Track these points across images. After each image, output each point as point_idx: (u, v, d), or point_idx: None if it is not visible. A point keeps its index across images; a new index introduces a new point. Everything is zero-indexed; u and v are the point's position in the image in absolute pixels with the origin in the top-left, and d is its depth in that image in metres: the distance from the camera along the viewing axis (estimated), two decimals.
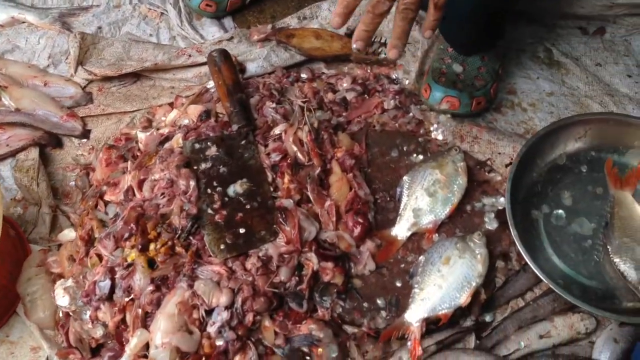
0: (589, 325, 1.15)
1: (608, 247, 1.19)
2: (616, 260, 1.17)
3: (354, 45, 0.98)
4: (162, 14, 1.65)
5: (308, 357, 1.09)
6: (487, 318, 1.18)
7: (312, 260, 1.13)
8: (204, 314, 1.06)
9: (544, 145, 1.29)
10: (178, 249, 1.12)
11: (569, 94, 1.48)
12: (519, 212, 1.25)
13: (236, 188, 1.19)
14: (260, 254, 1.12)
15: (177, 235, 1.12)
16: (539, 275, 1.17)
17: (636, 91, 1.48)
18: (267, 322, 1.09)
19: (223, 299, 1.06)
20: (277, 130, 1.27)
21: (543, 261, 1.21)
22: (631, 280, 1.14)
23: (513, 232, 1.16)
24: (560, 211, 1.26)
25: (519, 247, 1.15)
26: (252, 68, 1.48)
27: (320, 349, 1.09)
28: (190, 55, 1.48)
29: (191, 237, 1.13)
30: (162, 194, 1.17)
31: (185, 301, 1.06)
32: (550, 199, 1.28)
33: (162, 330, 1.03)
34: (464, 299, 1.12)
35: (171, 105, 1.42)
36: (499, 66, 1.45)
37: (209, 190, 1.18)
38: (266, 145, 1.26)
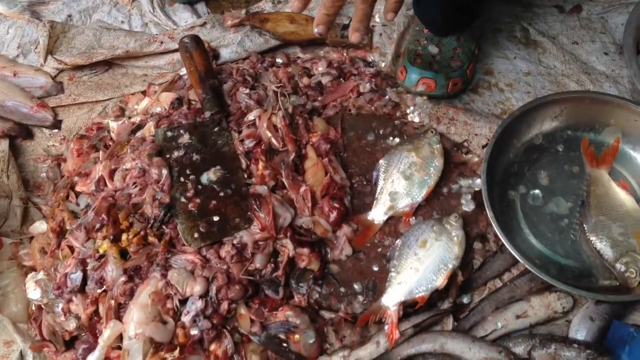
0: (565, 304, 1.15)
1: (584, 225, 1.19)
2: (592, 238, 1.17)
3: (315, 30, 0.96)
4: (133, 0, 1.62)
5: (285, 344, 1.08)
6: (465, 300, 1.18)
7: (287, 247, 1.12)
8: (177, 304, 1.05)
9: (520, 125, 1.28)
10: (151, 238, 1.10)
11: (545, 73, 1.47)
12: (496, 193, 1.24)
13: (210, 176, 1.18)
14: (235, 242, 1.11)
15: (149, 225, 1.11)
16: (515, 257, 1.18)
17: (613, 69, 1.47)
18: (242, 310, 1.08)
19: (197, 287, 1.05)
20: (250, 116, 1.26)
21: (520, 241, 1.21)
22: (607, 259, 1.15)
23: (489, 214, 1.15)
24: (537, 191, 1.26)
25: (495, 228, 1.14)
26: (225, 54, 1.46)
27: (297, 336, 1.08)
28: (162, 42, 1.46)
29: (164, 227, 1.12)
30: (134, 183, 1.15)
31: (158, 291, 1.05)
32: (527, 179, 1.27)
33: (136, 321, 1.02)
34: (440, 281, 1.12)
35: (144, 93, 1.40)
36: (475, 46, 1.43)
37: (182, 179, 1.17)
38: (240, 132, 1.24)
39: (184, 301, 1.06)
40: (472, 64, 1.42)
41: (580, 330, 1.12)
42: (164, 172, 1.15)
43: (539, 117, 1.29)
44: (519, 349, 1.10)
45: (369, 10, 0.95)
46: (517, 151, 1.30)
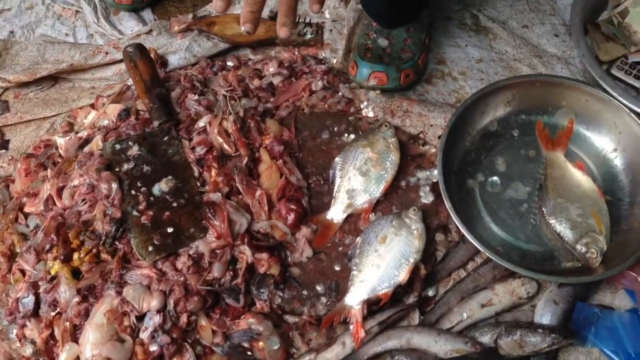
0: (530, 289, 1.14)
1: (543, 209, 1.19)
2: (552, 221, 1.17)
3: (242, 28, 0.94)
4: (77, 11, 1.58)
5: (250, 352, 1.06)
6: (430, 293, 1.17)
7: (245, 253, 1.10)
8: (135, 321, 1.02)
9: (473, 113, 1.27)
10: (104, 255, 1.08)
11: (497, 59, 1.47)
12: (455, 182, 1.24)
13: (161, 186, 1.15)
14: (191, 252, 1.09)
15: (101, 242, 1.08)
16: None
17: (564, 50, 1.47)
18: (203, 321, 1.06)
19: (154, 302, 1.03)
20: (201, 123, 1.23)
21: (481, 230, 1.20)
22: (568, 240, 1.15)
23: (448, 204, 1.15)
24: (495, 178, 1.26)
25: (454, 219, 1.14)
26: (174, 60, 1.43)
27: (261, 343, 1.06)
28: (107, 53, 1.42)
29: (117, 242, 1.09)
30: (83, 200, 1.12)
31: (114, 309, 1.02)
32: (484, 167, 1.27)
33: (92, 342, 0.99)
34: (402, 276, 1.11)
35: (92, 106, 1.36)
36: (426, 36, 1.43)
37: (133, 192, 1.14)
38: (190, 139, 1.22)
39: (141, 317, 1.03)
40: (423, 54, 1.41)
41: (544, 314, 1.11)
42: (114, 186, 1.12)
43: (492, 103, 1.29)
44: (485, 338, 1.09)
45: (293, 4, 0.93)
46: (473, 139, 1.29)
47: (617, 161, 1.25)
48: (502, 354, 1.06)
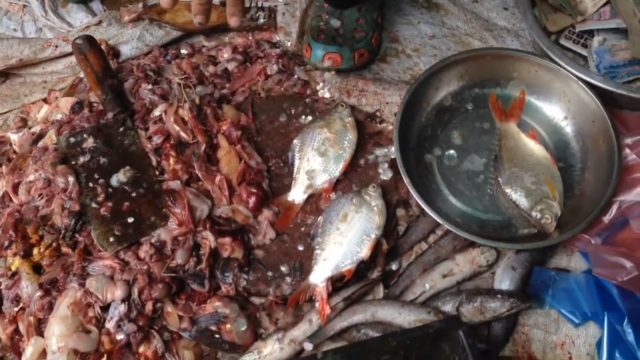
0: (489, 258, 1.17)
1: (499, 179, 1.22)
2: (508, 190, 1.20)
3: (195, 20, 0.94)
4: (24, 6, 1.55)
5: (218, 335, 1.07)
6: (394, 266, 1.19)
7: (208, 239, 1.11)
8: (99, 311, 1.02)
9: (427, 89, 1.29)
10: (64, 249, 1.07)
11: (450, 34, 1.49)
12: (413, 158, 1.26)
13: (119, 177, 1.15)
14: (153, 241, 1.09)
15: (61, 236, 1.08)
16: None
17: (513, 23, 1.50)
18: (169, 308, 1.06)
19: (118, 292, 1.03)
20: (156, 112, 1.23)
21: (441, 202, 1.23)
22: (523, 208, 1.18)
23: (406, 180, 1.17)
24: (452, 151, 1.28)
25: (412, 193, 1.16)
26: (126, 51, 1.42)
27: (228, 325, 1.07)
28: (57, 46, 1.40)
29: (77, 235, 1.08)
30: (40, 195, 1.11)
31: (78, 301, 1.02)
32: (441, 141, 1.29)
33: (57, 335, 0.99)
34: (364, 252, 1.12)
35: (45, 100, 1.35)
36: (378, 15, 1.44)
37: (90, 184, 1.13)
38: (146, 129, 1.21)
39: (106, 308, 1.03)
40: (376, 33, 1.42)
41: (503, 280, 1.14)
42: (71, 179, 1.11)
43: (445, 78, 1.31)
44: (448, 307, 1.12)
45: None
46: (429, 115, 1.31)
47: (568, 129, 1.28)
48: (463, 321, 1.09)
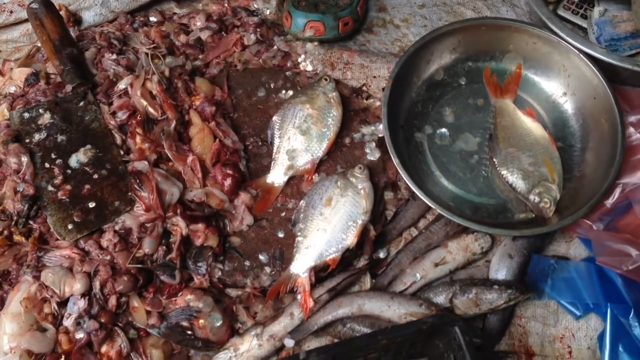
0: (483, 244, 1.09)
1: (494, 160, 1.14)
2: (504, 172, 1.12)
3: None
4: None
5: (190, 332, 0.98)
6: (381, 254, 1.11)
7: (179, 225, 1.01)
8: (56, 307, 0.92)
9: (418, 62, 1.20)
10: (17, 237, 0.97)
11: (441, 3, 1.39)
12: (402, 136, 1.17)
13: (79, 157, 1.04)
14: (117, 228, 0.99)
15: (13, 222, 0.97)
16: None
17: None
18: (135, 302, 0.96)
19: (77, 285, 0.93)
20: (121, 85, 1.11)
21: (432, 185, 1.14)
22: (520, 191, 1.10)
23: (395, 160, 1.07)
24: (444, 129, 1.19)
25: (402, 175, 1.06)
26: (88, 17, 1.29)
27: (201, 320, 0.98)
28: (12, 12, 1.27)
29: (31, 222, 0.98)
30: None
31: (32, 296, 0.91)
32: (432, 118, 1.20)
33: (9, 334, 0.89)
34: (351, 239, 1.03)
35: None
36: None
37: (46, 165, 1.02)
38: (110, 104, 1.10)
39: (64, 303, 0.93)
40: (362, 1, 1.31)
41: (500, 269, 1.06)
42: (24, 159, 1.00)
43: (436, 51, 1.21)
44: (440, 299, 1.04)
45: None
46: (419, 90, 1.22)
47: (567, 105, 1.20)
48: (458, 314, 1.01)
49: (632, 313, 0.98)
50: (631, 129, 1.12)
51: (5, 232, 0.95)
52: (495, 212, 1.12)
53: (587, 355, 1.03)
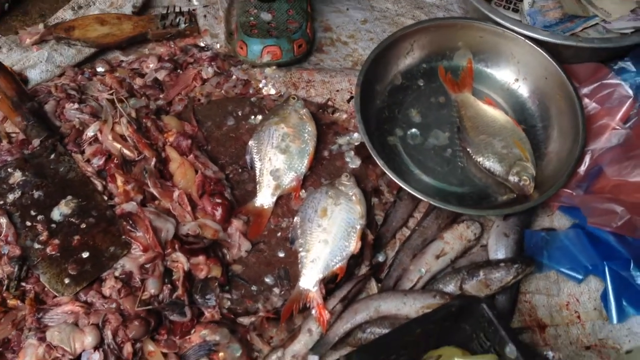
0: (475, 230, 1.12)
1: (468, 149, 1.17)
2: (480, 159, 1.16)
3: None
4: None
5: None
6: (380, 258, 1.11)
7: (180, 260, 0.97)
8: None
9: (378, 70, 1.23)
10: (11, 301, 0.90)
11: (381, 17, 1.44)
12: (376, 142, 1.18)
13: (62, 209, 0.98)
14: (117, 273, 0.94)
15: (4, 287, 0.90)
16: (415, 200, 1.14)
17: None
18: (150, 347, 0.91)
19: (88, 339, 0.86)
20: (90, 132, 1.08)
21: (414, 183, 1.15)
22: (499, 174, 1.14)
23: (380, 162, 1.09)
24: (414, 130, 1.22)
25: (388, 174, 1.08)
26: (34, 75, 1.24)
27: (221, 353, 0.94)
28: None
29: (23, 284, 0.91)
30: None
31: (41, 359, 0.84)
32: (400, 121, 1.23)
33: None
34: (353, 245, 1.03)
35: None
36: (307, 4, 1.36)
37: (27, 223, 0.97)
38: (82, 152, 1.06)
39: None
40: (308, 22, 1.34)
41: (499, 249, 1.09)
42: (2, 220, 0.94)
43: (392, 57, 1.25)
44: (450, 288, 1.05)
45: None
46: (382, 96, 1.25)
47: (522, 90, 1.27)
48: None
49: (632, 265, 1.02)
50: (586, 100, 1.19)
51: None
52: (479, 199, 1.15)
53: (595, 315, 1.06)
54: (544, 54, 1.20)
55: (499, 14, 1.25)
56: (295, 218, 1.07)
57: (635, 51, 1.20)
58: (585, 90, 1.20)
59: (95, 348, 0.87)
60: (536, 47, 1.21)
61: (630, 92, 1.16)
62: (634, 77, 1.17)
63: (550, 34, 1.22)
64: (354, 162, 1.16)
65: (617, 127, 1.15)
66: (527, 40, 1.22)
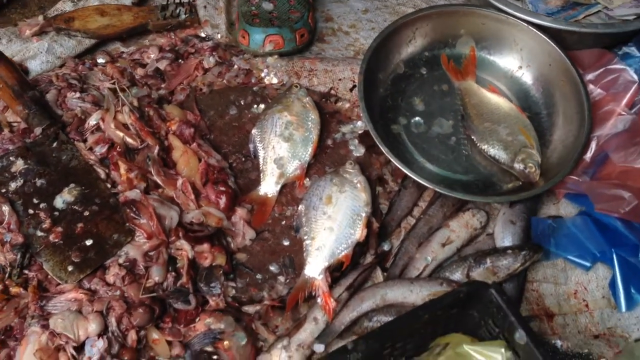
0: (481, 218, 1.11)
1: (472, 137, 1.17)
2: (484, 147, 1.15)
3: None
4: None
5: (215, 356, 0.92)
6: (386, 247, 1.10)
7: (184, 248, 0.96)
8: (73, 353, 0.84)
9: (380, 59, 1.22)
10: (14, 289, 0.89)
11: (382, 6, 1.44)
12: (380, 130, 1.17)
13: (65, 197, 0.97)
14: (121, 261, 0.93)
15: (7, 275, 0.89)
16: (419, 189, 1.14)
17: None
18: (155, 334, 0.90)
19: (92, 326, 0.85)
20: (92, 121, 1.07)
21: (419, 171, 1.14)
22: (504, 162, 1.13)
23: (384, 149, 1.08)
24: (417, 118, 1.21)
25: (393, 161, 1.07)
26: (35, 66, 1.23)
27: (226, 342, 0.92)
28: None
29: (26, 271, 0.90)
30: None
31: (44, 347, 0.83)
32: (404, 110, 1.22)
33: None
34: (359, 233, 1.02)
35: None
36: None
37: (30, 211, 0.95)
38: (85, 140, 1.05)
39: (80, 347, 0.85)
40: (310, 12, 1.33)
41: (505, 236, 1.08)
42: (5, 208, 0.93)
43: (394, 46, 1.25)
44: (457, 276, 1.04)
45: None
46: (386, 85, 1.24)
47: (525, 77, 1.26)
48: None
49: None
50: (591, 86, 1.18)
51: (0, 286, 0.87)
52: (484, 187, 1.14)
53: (604, 304, 1.05)
54: (548, 40, 1.20)
55: (501, 0, 1.24)
56: (300, 206, 1.06)
57: (639, 36, 1.19)
58: (589, 76, 1.19)
59: (100, 335, 0.86)
60: (540, 33, 1.20)
61: (636, 77, 1.15)
62: (638, 62, 1.17)
63: (554, 20, 1.21)
64: (358, 150, 1.15)
65: (623, 113, 1.14)
66: (530, 27, 1.21)
